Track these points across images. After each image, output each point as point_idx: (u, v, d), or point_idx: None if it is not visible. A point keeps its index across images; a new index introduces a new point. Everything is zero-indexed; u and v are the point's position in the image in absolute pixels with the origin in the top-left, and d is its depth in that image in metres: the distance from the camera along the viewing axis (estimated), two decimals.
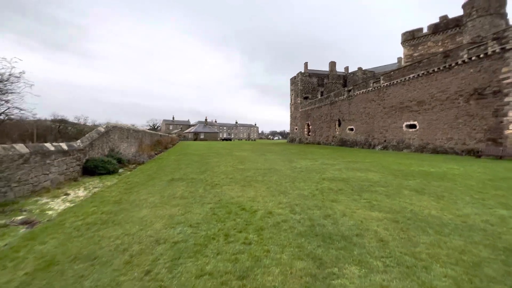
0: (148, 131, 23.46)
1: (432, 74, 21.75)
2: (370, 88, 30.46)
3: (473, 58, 18.28)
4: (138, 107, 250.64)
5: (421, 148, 22.45)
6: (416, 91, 23.53)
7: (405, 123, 24.90)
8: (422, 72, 22.55)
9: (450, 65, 20.04)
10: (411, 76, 23.92)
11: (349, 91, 35.62)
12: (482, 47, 17.65)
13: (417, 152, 22.35)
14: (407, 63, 36.16)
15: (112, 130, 12.75)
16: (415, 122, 23.60)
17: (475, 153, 17.63)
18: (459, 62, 19.28)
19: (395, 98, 26.28)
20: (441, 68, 20.79)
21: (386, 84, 27.55)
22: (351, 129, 35.21)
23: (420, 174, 9.42)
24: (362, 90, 32.08)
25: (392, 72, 26.89)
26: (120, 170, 10.61)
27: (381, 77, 28.69)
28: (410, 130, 24.24)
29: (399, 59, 57.24)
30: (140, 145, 17.98)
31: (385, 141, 27.74)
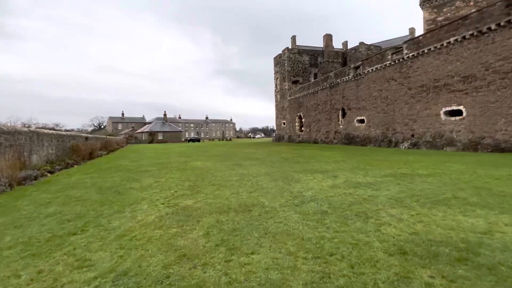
0: (47, 131, 17.56)
1: (486, 35, 17.92)
2: (388, 63, 26.53)
3: None
4: (78, 103, 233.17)
5: (473, 145, 18.60)
6: (460, 62, 19.70)
7: (443, 109, 21.08)
8: (471, 32, 18.70)
9: None
10: (451, 40, 20.07)
11: (357, 68, 31.65)
12: None
13: (468, 151, 18.49)
14: (431, 28, 32.84)
15: None
16: (460, 107, 19.79)
17: None
18: None
19: (427, 74, 22.42)
20: (502, 24, 16.96)
21: (412, 55, 23.67)
22: (361, 121, 31.26)
23: None
24: (376, 66, 28.14)
25: (421, 37, 23.01)
26: None
27: (404, 46, 24.78)
28: (452, 118, 20.43)
29: (412, 30, 54.87)
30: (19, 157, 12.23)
31: (412, 135, 23.87)
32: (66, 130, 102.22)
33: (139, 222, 5.14)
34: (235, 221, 5.01)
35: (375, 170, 11.05)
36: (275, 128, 67.43)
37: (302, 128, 46.97)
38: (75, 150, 20.56)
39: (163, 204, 6.47)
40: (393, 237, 4.08)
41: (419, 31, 54.89)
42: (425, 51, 22.37)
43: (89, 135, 30.55)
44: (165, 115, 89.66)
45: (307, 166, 13.14)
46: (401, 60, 25.04)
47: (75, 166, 17.54)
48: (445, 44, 20.62)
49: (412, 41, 23.99)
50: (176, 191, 7.89)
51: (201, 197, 7.11)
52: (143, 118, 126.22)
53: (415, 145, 23.08)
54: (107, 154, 29.34)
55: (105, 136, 39.14)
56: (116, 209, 6.12)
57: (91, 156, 23.54)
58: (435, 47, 21.47)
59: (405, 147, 23.79)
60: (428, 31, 23.01)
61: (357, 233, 4.31)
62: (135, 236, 4.38)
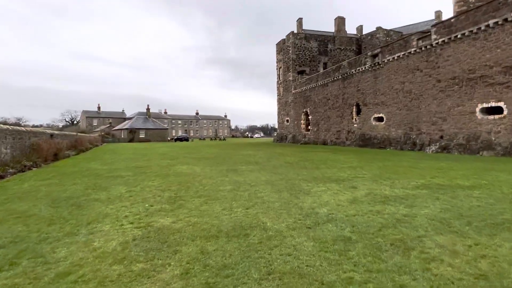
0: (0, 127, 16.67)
1: None
2: (413, 50, 25.85)
3: None
4: (47, 94, 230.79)
5: None
6: (501, 50, 19.02)
7: (479, 106, 20.38)
8: None
9: None
10: (490, 23, 19.37)
11: (375, 56, 30.96)
12: None
13: (510, 156, 17.78)
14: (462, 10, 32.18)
15: None
16: (501, 104, 19.09)
17: None
18: None
19: (460, 64, 21.73)
20: None
21: (442, 41, 22.98)
22: (379, 119, 30.57)
23: None
24: (398, 54, 27.46)
25: (453, 20, 22.31)
26: None
27: (432, 30, 24.09)
28: (491, 117, 19.73)
29: (438, 13, 54.32)
30: None
31: (441, 137, 23.17)
32: (33, 126, 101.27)
33: (94, 251, 4.33)
34: (226, 252, 4.20)
35: (402, 179, 10.29)
36: (276, 127, 66.78)
37: (309, 127, 46.23)
38: (35, 150, 19.70)
39: (131, 223, 5.66)
40: (453, 283, 3.28)
41: (447, 15, 54.43)
42: (458, 36, 21.67)
43: (56, 132, 29.72)
44: (148, 109, 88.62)
45: (317, 173, 12.37)
46: (428, 47, 24.34)
47: (34, 169, 16.71)
48: (483, 28, 19.92)
49: (442, 24, 23.30)
50: (152, 205, 7.08)
51: (183, 214, 6.30)
52: (122, 112, 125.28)
53: (444, 149, 22.37)
54: (76, 154, 28.57)
55: (75, 134, 38.26)
56: (68, 230, 5.31)
57: (56, 157, 22.74)
58: (471, 31, 20.77)
59: (433, 150, 23.08)
60: (461, 13, 22.33)
61: (398, 273, 3.51)
62: (83, 276, 3.55)
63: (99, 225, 5.61)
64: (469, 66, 21.16)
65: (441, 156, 19.87)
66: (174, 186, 9.62)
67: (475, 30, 20.52)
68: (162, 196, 8.09)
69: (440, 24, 23.61)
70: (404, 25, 58.60)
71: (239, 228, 5.27)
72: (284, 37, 54.34)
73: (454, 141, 21.97)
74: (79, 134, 41.31)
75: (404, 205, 6.68)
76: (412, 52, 26.07)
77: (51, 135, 26.62)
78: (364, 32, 58.13)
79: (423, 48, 24.92)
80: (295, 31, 52.87)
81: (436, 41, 23.53)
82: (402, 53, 27.03)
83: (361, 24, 59.80)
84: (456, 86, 22.13)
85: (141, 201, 7.53)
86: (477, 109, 20.56)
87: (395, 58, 27.95)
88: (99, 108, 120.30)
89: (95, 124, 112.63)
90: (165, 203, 7.29)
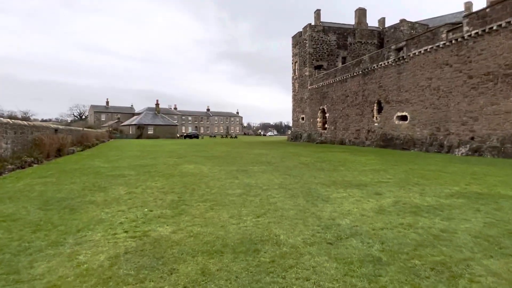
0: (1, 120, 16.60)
1: None
2: (442, 43, 24.79)
3: None
4: (57, 87, 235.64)
5: None
6: None
7: None
8: None
9: None
10: None
11: (399, 50, 29.95)
12: None
13: None
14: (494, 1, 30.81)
15: None
16: None
17: None
18: None
19: (495, 58, 20.65)
20: None
21: (476, 33, 21.89)
22: (403, 118, 29.59)
23: None
24: (425, 48, 26.43)
25: (488, 9, 21.21)
26: None
27: (464, 21, 23.00)
28: None
29: (468, 4, 52.43)
30: None
31: (472, 138, 22.11)
32: (42, 120, 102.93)
33: (77, 267, 3.86)
34: (231, 274, 3.66)
35: (433, 185, 9.57)
36: (290, 124, 66.07)
37: (326, 125, 45.35)
38: (37, 145, 19.62)
39: (126, 232, 5.19)
40: None
41: (478, 7, 52.49)
42: (494, 27, 20.56)
43: (60, 127, 29.79)
44: (157, 104, 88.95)
45: (336, 176, 11.73)
46: (459, 39, 23.25)
47: (35, 165, 16.58)
48: None
49: (476, 14, 22.18)
50: (151, 210, 6.62)
51: (185, 221, 5.81)
52: (131, 108, 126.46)
53: (476, 151, 21.32)
54: (82, 150, 28.61)
55: (81, 129, 38.48)
56: (54, 238, 4.87)
57: (59, 153, 22.73)
58: (508, 22, 19.66)
59: (462, 153, 22.05)
60: (496, 2, 21.19)
61: None
62: None
63: (90, 233, 5.16)
64: (506, 60, 20.05)
65: (473, 159, 18.89)
66: (178, 188, 9.16)
67: None
68: (164, 200, 7.63)
69: (473, 15, 22.49)
70: (430, 17, 56.92)
71: (248, 242, 4.73)
72: (301, 30, 53.49)
73: (487, 143, 20.89)
74: (85, 129, 41.59)
75: (440, 218, 6.02)
76: (441, 46, 24.99)
77: (56, 130, 26.64)
78: (387, 25, 56.70)
79: (453, 41, 23.83)
80: (313, 23, 51.92)
81: (469, 33, 22.43)
82: (430, 46, 25.96)
83: (383, 17, 58.41)
84: (491, 83, 21.03)
85: (140, 205, 7.08)
86: None
87: (422, 52, 26.89)
88: (107, 103, 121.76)
89: (103, 119, 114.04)
90: (167, 208, 6.82)
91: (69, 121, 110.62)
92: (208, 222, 5.79)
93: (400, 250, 4.39)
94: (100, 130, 61.79)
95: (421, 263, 3.97)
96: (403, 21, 52.30)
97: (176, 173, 12.60)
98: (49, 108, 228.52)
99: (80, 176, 11.55)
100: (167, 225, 5.57)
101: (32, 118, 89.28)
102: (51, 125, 29.85)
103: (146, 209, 6.71)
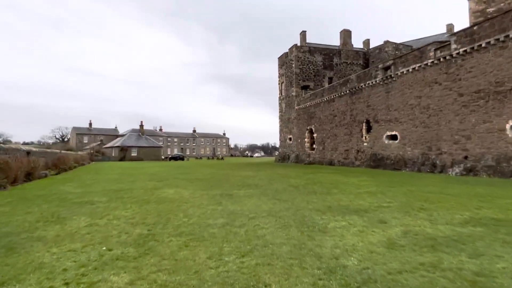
0: None
1: None
2: (430, 61, 24.55)
3: None
4: (39, 111, 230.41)
5: None
6: None
7: (510, 123, 18.82)
8: None
9: None
10: None
11: (387, 69, 29.71)
12: None
13: None
14: (479, 21, 31.22)
15: None
16: None
17: None
18: None
19: (485, 76, 20.33)
20: None
21: (464, 51, 21.67)
22: (393, 137, 29.01)
23: None
24: (413, 66, 26.17)
25: (475, 27, 21.07)
26: None
27: (452, 39, 22.85)
28: None
29: (450, 26, 53.74)
30: None
31: (466, 157, 21.48)
32: (24, 143, 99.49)
33: None
34: None
35: (440, 210, 8.55)
36: (278, 145, 65.20)
37: (314, 146, 44.58)
38: (2, 169, 17.96)
39: (66, 285, 3.92)
40: None
41: (459, 28, 53.83)
42: (483, 45, 20.35)
43: (34, 149, 28.09)
44: (141, 126, 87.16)
45: (331, 200, 10.63)
46: (448, 57, 23.01)
47: None
48: (511, 36, 18.62)
49: (464, 32, 22.04)
50: (111, 249, 5.34)
51: (150, 265, 4.56)
52: (115, 129, 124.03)
53: (470, 171, 20.63)
54: (56, 174, 26.92)
55: (58, 151, 36.60)
56: None
57: (29, 176, 21.06)
58: (497, 39, 19.45)
59: (457, 173, 21.34)
60: (485, 20, 21.12)
61: None
62: None
63: (17, 286, 3.87)
64: (496, 78, 19.72)
65: (470, 179, 18.12)
66: (151, 218, 7.89)
67: (502, 38, 19.18)
68: (130, 234, 6.35)
69: (461, 32, 22.36)
70: (414, 38, 58.03)
71: None
72: (287, 50, 53.58)
73: (482, 162, 20.24)
74: (63, 151, 39.63)
75: (466, 254, 4.93)
76: (429, 64, 24.74)
77: (28, 152, 24.96)
78: (371, 46, 57.47)
79: (441, 59, 23.60)
80: (299, 44, 52.10)
81: (457, 51, 22.21)
82: (418, 64, 25.71)
83: (368, 38, 59.27)
84: (482, 101, 20.63)
85: (99, 242, 5.79)
86: (508, 126, 18.94)
87: (410, 70, 26.62)
88: (90, 124, 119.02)
89: (86, 142, 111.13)
90: (130, 246, 5.55)
91: (51, 144, 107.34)
92: (179, 266, 4.55)
93: None
94: (81, 153, 59.54)
95: None
96: (387, 42, 53.06)
97: (152, 199, 11.28)
98: (32, 130, 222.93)
99: (41, 204, 10.11)
100: (125, 272, 4.31)
101: (13, 141, 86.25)
102: (22, 147, 28.10)
103: (104, 248, 5.43)
